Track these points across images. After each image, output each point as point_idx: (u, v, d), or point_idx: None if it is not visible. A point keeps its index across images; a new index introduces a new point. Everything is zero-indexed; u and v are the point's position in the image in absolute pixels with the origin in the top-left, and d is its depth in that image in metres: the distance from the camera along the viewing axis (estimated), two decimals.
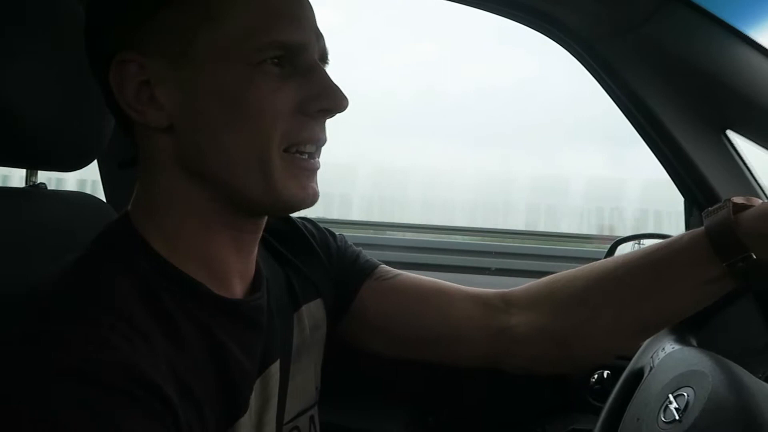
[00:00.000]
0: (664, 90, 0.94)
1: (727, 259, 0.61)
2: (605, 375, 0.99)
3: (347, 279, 0.75)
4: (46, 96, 0.67)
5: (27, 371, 0.42)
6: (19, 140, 0.67)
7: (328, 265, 0.74)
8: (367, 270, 0.76)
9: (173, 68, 0.52)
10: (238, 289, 0.59)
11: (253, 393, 0.58)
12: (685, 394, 0.54)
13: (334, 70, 0.58)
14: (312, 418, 0.69)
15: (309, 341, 0.69)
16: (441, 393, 1.06)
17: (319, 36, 0.57)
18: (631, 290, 0.68)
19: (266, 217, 0.61)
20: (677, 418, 0.52)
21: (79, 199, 0.81)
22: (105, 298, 0.48)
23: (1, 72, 0.63)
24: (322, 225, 0.79)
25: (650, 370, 0.64)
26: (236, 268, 0.59)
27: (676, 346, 0.64)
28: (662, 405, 0.55)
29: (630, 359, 0.70)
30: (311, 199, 0.56)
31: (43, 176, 0.80)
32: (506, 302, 0.75)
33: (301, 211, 0.59)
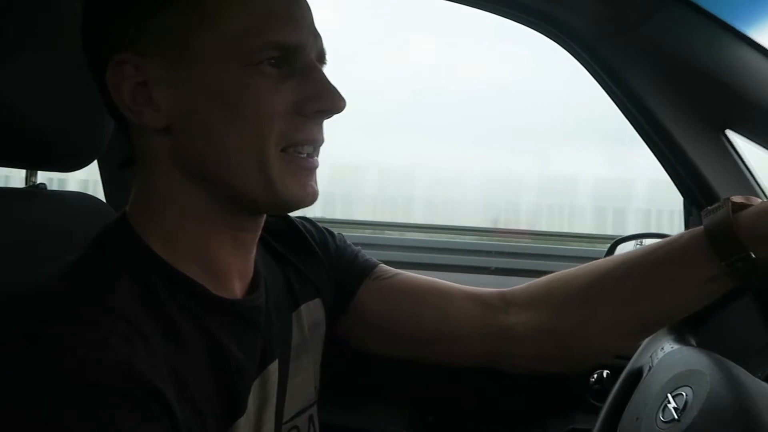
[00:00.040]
0: (663, 90, 0.94)
1: (726, 258, 0.61)
2: (605, 374, 0.99)
3: (346, 278, 0.75)
4: (45, 96, 0.67)
5: (26, 372, 0.42)
6: (18, 140, 0.67)
7: (327, 265, 0.75)
8: (366, 269, 0.76)
9: (170, 69, 0.52)
10: (237, 288, 0.59)
11: (252, 393, 0.58)
12: (684, 393, 0.54)
13: (331, 69, 0.59)
14: (311, 417, 0.69)
15: (308, 340, 0.69)
16: (441, 392, 1.06)
17: (316, 36, 0.57)
18: (630, 289, 0.68)
19: (265, 217, 0.61)
20: (676, 417, 0.52)
21: (79, 199, 0.81)
22: (104, 299, 0.48)
23: (1, 72, 0.63)
24: (321, 225, 0.79)
25: (649, 370, 0.64)
26: (235, 268, 0.59)
27: (675, 346, 0.64)
28: (661, 404, 0.55)
29: (629, 358, 0.70)
30: (311, 197, 0.56)
31: (45, 177, 0.80)
32: (505, 302, 0.75)
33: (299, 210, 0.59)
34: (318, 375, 0.72)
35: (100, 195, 1.17)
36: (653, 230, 1.16)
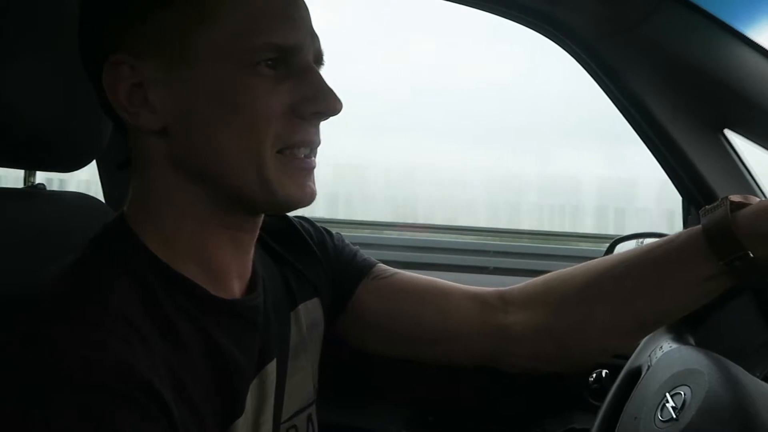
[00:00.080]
0: (661, 89, 0.94)
1: (724, 257, 0.61)
2: (603, 374, 0.99)
3: (344, 278, 0.75)
4: (44, 96, 0.67)
5: (25, 373, 0.42)
6: (17, 141, 0.67)
7: (326, 264, 0.74)
8: (365, 269, 0.76)
9: (166, 70, 0.52)
10: (235, 289, 0.59)
11: (250, 392, 0.58)
12: (682, 392, 0.54)
13: (331, 69, 0.59)
14: (310, 416, 0.69)
15: (306, 340, 0.69)
16: (440, 392, 1.06)
17: (314, 37, 0.56)
18: (629, 288, 0.68)
19: (263, 217, 0.61)
20: (674, 416, 0.53)
21: (77, 199, 0.81)
22: (103, 300, 0.48)
23: (0, 72, 0.63)
24: (319, 224, 0.79)
25: (648, 369, 0.64)
26: (233, 268, 0.59)
27: (674, 345, 0.64)
28: (659, 404, 0.56)
29: (627, 358, 0.70)
30: (309, 198, 0.56)
31: (44, 178, 0.80)
32: (504, 301, 0.75)
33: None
34: (316, 374, 0.72)
35: (101, 195, 1.18)
36: (650, 229, 1.16)
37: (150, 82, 0.52)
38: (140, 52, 0.52)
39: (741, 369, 0.55)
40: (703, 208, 0.65)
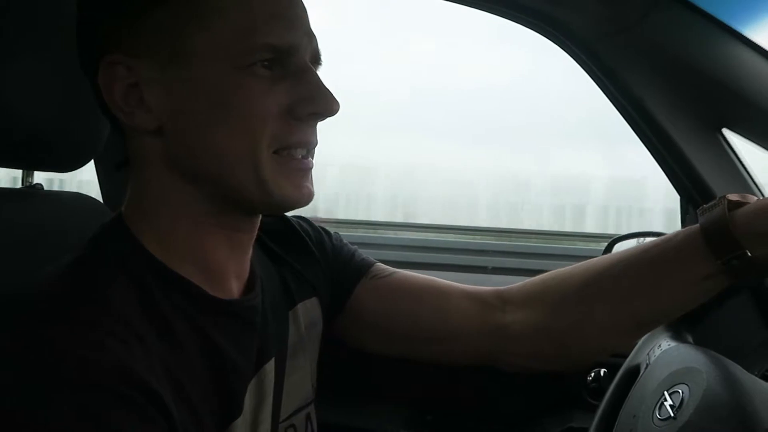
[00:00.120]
0: (659, 89, 0.94)
1: (721, 256, 0.61)
2: (602, 373, 0.99)
3: (343, 277, 0.75)
4: (41, 96, 0.67)
5: (25, 373, 0.42)
6: (15, 141, 0.67)
7: (324, 264, 0.74)
8: (363, 268, 0.76)
9: (162, 70, 0.52)
10: (233, 289, 0.59)
11: (248, 392, 0.58)
12: (680, 391, 0.54)
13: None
14: (309, 416, 0.69)
15: (305, 339, 0.69)
16: (439, 392, 1.06)
17: (311, 37, 0.56)
18: (627, 287, 0.68)
19: (260, 217, 0.61)
20: (672, 415, 0.52)
21: (75, 199, 0.81)
22: (101, 300, 0.48)
23: None
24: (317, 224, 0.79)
25: (646, 367, 0.64)
26: (231, 269, 0.59)
27: (672, 343, 0.64)
28: (657, 402, 0.55)
29: (625, 357, 0.70)
30: (306, 198, 0.56)
31: (43, 179, 0.80)
32: (502, 300, 0.75)
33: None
34: (315, 373, 0.72)
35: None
36: (649, 228, 1.16)
37: (145, 82, 0.52)
38: (136, 52, 0.52)
39: (739, 367, 0.55)
40: (700, 207, 0.65)
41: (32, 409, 0.41)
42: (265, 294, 0.63)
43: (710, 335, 0.67)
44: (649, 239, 0.91)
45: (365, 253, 0.79)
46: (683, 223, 1.01)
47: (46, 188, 0.79)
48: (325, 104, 0.55)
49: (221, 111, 0.52)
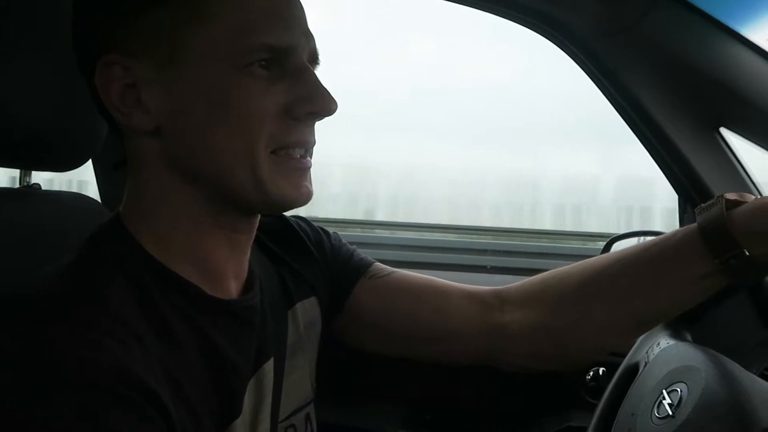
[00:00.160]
0: (657, 88, 0.94)
1: (719, 255, 0.61)
2: (601, 372, 0.99)
3: (341, 277, 0.75)
4: (39, 96, 0.67)
5: (25, 373, 0.42)
6: (13, 141, 0.67)
7: (322, 264, 0.74)
8: (362, 268, 0.76)
9: (159, 70, 0.52)
10: (232, 289, 0.59)
11: (247, 392, 0.58)
12: (679, 389, 0.54)
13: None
14: (308, 415, 0.69)
15: (304, 338, 0.69)
16: (438, 391, 1.06)
17: (308, 36, 0.56)
18: (625, 287, 0.68)
19: (259, 217, 0.60)
20: (670, 413, 0.53)
21: (73, 199, 0.81)
22: (99, 300, 0.48)
23: None
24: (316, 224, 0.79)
25: (645, 365, 0.64)
26: (230, 269, 0.59)
27: (671, 341, 0.64)
28: (656, 400, 0.56)
29: (624, 356, 0.70)
30: (305, 198, 0.56)
31: (42, 179, 0.80)
32: (501, 300, 0.75)
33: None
34: (314, 373, 0.72)
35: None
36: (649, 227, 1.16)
37: (143, 83, 0.52)
38: (133, 52, 0.52)
39: (737, 366, 0.55)
40: (698, 207, 0.65)
41: (31, 408, 0.41)
42: (264, 294, 0.63)
43: (708, 334, 0.67)
44: (647, 238, 0.91)
45: (364, 253, 0.79)
46: (681, 222, 1.02)
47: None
48: (323, 104, 0.55)
49: (220, 111, 0.52)
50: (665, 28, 0.90)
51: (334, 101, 0.55)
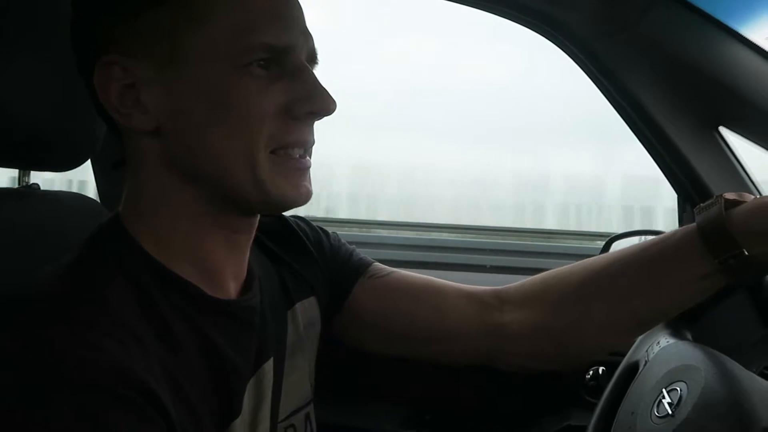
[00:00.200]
0: (657, 87, 0.94)
1: (718, 255, 0.61)
2: (600, 371, 0.99)
3: (341, 277, 0.75)
4: (38, 96, 0.67)
5: (25, 373, 0.42)
6: (12, 140, 0.67)
7: (322, 264, 0.74)
8: (361, 268, 0.76)
9: (158, 70, 0.52)
10: (231, 289, 0.59)
11: (247, 392, 0.58)
12: (678, 388, 0.54)
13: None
14: (308, 415, 0.69)
15: (303, 338, 0.69)
16: (437, 391, 1.06)
17: (307, 36, 0.56)
18: (625, 286, 0.68)
19: (259, 217, 0.61)
20: (670, 412, 0.53)
21: (72, 199, 0.81)
22: (99, 300, 0.48)
23: None
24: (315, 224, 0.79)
25: (645, 364, 0.64)
26: (229, 269, 0.59)
27: (671, 340, 0.64)
28: (656, 400, 0.55)
29: (624, 355, 0.70)
30: (304, 197, 0.56)
31: (42, 180, 0.80)
32: (500, 299, 0.75)
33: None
34: (313, 373, 0.72)
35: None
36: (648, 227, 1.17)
37: (142, 83, 0.52)
38: (132, 53, 0.52)
39: (737, 364, 0.55)
40: (697, 206, 0.65)
41: (31, 408, 0.41)
42: (264, 294, 0.63)
43: (707, 334, 0.67)
44: (646, 238, 0.91)
45: (364, 252, 0.79)
46: (681, 222, 1.02)
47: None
48: (322, 103, 0.55)
49: (220, 111, 0.52)
50: (665, 27, 0.90)
51: (333, 101, 0.55)
